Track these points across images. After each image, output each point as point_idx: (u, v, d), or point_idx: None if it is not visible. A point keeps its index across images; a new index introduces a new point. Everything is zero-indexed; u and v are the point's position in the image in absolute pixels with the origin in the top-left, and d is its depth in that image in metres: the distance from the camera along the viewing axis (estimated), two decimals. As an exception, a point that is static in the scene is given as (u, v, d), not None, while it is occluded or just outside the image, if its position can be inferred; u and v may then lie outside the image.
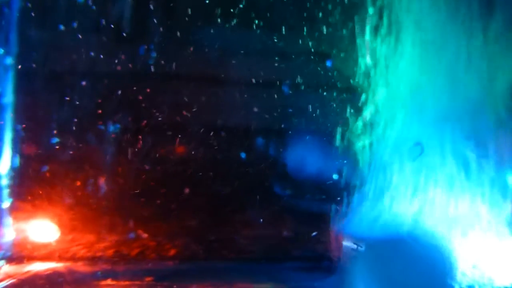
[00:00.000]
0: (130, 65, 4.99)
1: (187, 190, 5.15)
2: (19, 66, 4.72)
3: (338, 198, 4.85)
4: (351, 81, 4.92)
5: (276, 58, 5.23)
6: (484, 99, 4.23)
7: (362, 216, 4.54)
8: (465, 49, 4.27)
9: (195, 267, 4.90)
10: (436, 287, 3.98)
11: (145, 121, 5.09)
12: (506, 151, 4.28)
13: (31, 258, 4.72)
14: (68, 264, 4.72)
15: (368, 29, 4.68)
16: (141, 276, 4.47)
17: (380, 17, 4.61)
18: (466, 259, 4.04)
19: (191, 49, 5.13)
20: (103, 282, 4.29)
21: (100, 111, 4.96)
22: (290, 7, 5.17)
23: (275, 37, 5.20)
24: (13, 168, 4.77)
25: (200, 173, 5.21)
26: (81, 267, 4.66)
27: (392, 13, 4.53)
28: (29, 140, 4.81)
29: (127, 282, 4.32)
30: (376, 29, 4.64)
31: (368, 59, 4.70)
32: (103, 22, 4.87)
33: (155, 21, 5.01)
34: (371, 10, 4.64)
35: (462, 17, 4.24)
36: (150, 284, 4.31)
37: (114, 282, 4.31)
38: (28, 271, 4.45)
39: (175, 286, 4.19)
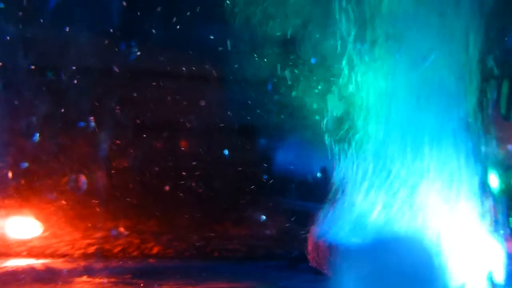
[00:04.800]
0: (112, 62, 4.82)
1: (172, 189, 4.97)
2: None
3: (323, 199, 4.64)
4: (334, 80, 4.72)
5: (262, 58, 5.04)
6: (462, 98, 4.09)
7: (346, 217, 4.37)
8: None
9: (177, 265, 4.69)
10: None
11: (129, 119, 4.94)
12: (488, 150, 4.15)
13: (9, 255, 4.54)
14: (47, 261, 4.52)
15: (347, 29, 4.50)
16: (119, 274, 4.27)
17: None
18: (454, 262, 3.86)
19: (178, 48, 4.98)
20: (78, 279, 4.09)
21: (82, 108, 4.80)
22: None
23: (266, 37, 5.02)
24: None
25: (185, 172, 5.04)
26: (60, 264, 4.46)
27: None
28: (9, 137, 4.66)
29: (103, 279, 4.13)
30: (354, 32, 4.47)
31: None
32: (80, 16, 4.72)
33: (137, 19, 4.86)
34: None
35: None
36: (126, 281, 4.11)
37: (89, 279, 4.11)
38: (3, 267, 4.27)
39: (142, 284, 3.99)
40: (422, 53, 4.11)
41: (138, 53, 4.85)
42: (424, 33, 4.13)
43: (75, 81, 4.73)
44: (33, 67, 4.67)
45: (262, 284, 4.22)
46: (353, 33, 4.42)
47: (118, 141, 4.91)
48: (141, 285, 3.99)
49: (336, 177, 4.55)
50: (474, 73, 4.09)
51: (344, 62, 4.51)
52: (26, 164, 4.67)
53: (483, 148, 4.14)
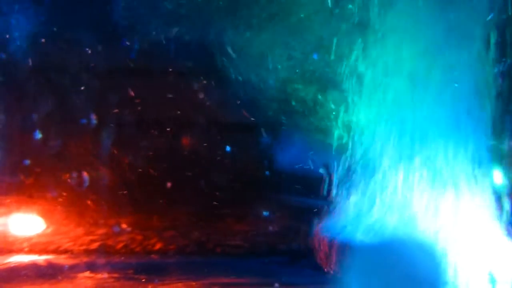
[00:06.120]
0: (113, 61, 4.82)
1: (175, 185, 4.96)
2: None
3: (326, 196, 4.62)
4: (338, 80, 4.68)
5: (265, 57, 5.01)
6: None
7: (351, 214, 4.34)
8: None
9: (179, 261, 4.68)
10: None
11: (131, 116, 4.93)
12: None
13: (12, 251, 4.54)
14: (50, 257, 4.53)
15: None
16: (122, 269, 4.27)
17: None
18: (461, 259, 3.82)
19: (179, 47, 4.96)
20: (80, 275, 4.09)
21: (85, 106, 4.80)
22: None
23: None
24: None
25: (188, 168, 5.03)
26: (62, 260, 4.47)
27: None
28: (11, 135, 4.66)
29: (105, 275, 4.12)
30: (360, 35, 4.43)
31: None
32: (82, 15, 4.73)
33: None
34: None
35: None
36: (128, 276, 4.10)
37: (92, 275, 4.11)
38: (6, 263, 4.27)
39: (143, 279, 3.98)
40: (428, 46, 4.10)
41: (140, 52, 4.84)
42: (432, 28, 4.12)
43: (77, 80, 4.74)
44: (35, 66, 4.67)
45: (272, 279, 4.17)
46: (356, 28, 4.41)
47: (120, 138, 4.90)
48: (143, 280, 3.99)
49: (339, 174, 4.53)
50: (483, 66, 4.07)
51: (345, 58, 4.50)
52: (28, 161, 4.67)
53: (490, 144, 4.10)
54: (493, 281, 3.78)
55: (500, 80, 4.12)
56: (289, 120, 5.06)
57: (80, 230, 4.82)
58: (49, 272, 4.12)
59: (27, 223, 4.70)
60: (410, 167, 4.12)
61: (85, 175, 4.76)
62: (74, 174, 4.75)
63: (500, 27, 4.05)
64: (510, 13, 4.03)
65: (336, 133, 4.64)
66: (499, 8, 4.00)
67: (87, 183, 4.75)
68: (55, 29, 4.74)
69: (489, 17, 4.01)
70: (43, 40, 4.75)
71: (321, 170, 4.91)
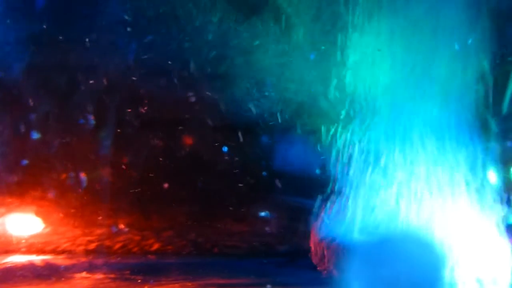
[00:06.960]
0: (112, 61, 4.82)
1: (173, 186, 4.96)
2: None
3: (323, 196, 4.62)
4: (335, 78, 4.68)
5: (265, 58, 5.01)
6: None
7: (347, 214, 4.34)
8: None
9: (176, 261, 4.68)
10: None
11: (130, 117, 4.93)
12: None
13: (10, 251, 4.55)
14: (48, 257, 4.53)
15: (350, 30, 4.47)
16: (119, 270, 4.27)
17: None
18: (457, 259, 3.83)
19: (178, 46, 4.96)
20: (77, 275, 4.09)
21: (84, 106, 4.80)
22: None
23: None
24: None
25: (186, 169, 5.03)
26: (60, 261, 4.47)
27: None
28: (10, 135, 4.67)
29: (102, 275, 4.12)
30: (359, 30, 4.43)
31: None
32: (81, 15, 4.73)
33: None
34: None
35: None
36: (124, 277, 4.10)
37: (88, 275, 4.11)
38: (3, 264, 4.28)
39: (139, 280, 3.98)
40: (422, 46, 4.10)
41: (138, 52, 4.84)
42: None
43: (75, 80, 4.73)
44: (33, 65, 4.67)
45: (268, 280, 4.16)
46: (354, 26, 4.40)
47: (119, 139, 4.90)
48: (139, 281, 3.99)
49: (336, 174, 4.52)
50: (475, 67, 4.06)
51: (342, 58, 4.49)
52: (26, 161, 4.67)
53: (484, 144, 4.10)
54: (480, 281, 3.79)
55: (492, 83, 4.13)
56: (287, 121, 5.05)
57: (78, 231, 4.81)
58: (46, 272, 4.12)
59: (25, 223, 4.70)
60: (407, 169, 4.13)
61: (83, 175, 4.75)
62: (72, 175, 4.75)
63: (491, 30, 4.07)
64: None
65: (334, 134, 4.64)
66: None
67: (85, 184, 4.75)
68: (54, 28, 4.73)
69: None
70: (42, 39, 4.75)
71: (318, 171, 4.91)
